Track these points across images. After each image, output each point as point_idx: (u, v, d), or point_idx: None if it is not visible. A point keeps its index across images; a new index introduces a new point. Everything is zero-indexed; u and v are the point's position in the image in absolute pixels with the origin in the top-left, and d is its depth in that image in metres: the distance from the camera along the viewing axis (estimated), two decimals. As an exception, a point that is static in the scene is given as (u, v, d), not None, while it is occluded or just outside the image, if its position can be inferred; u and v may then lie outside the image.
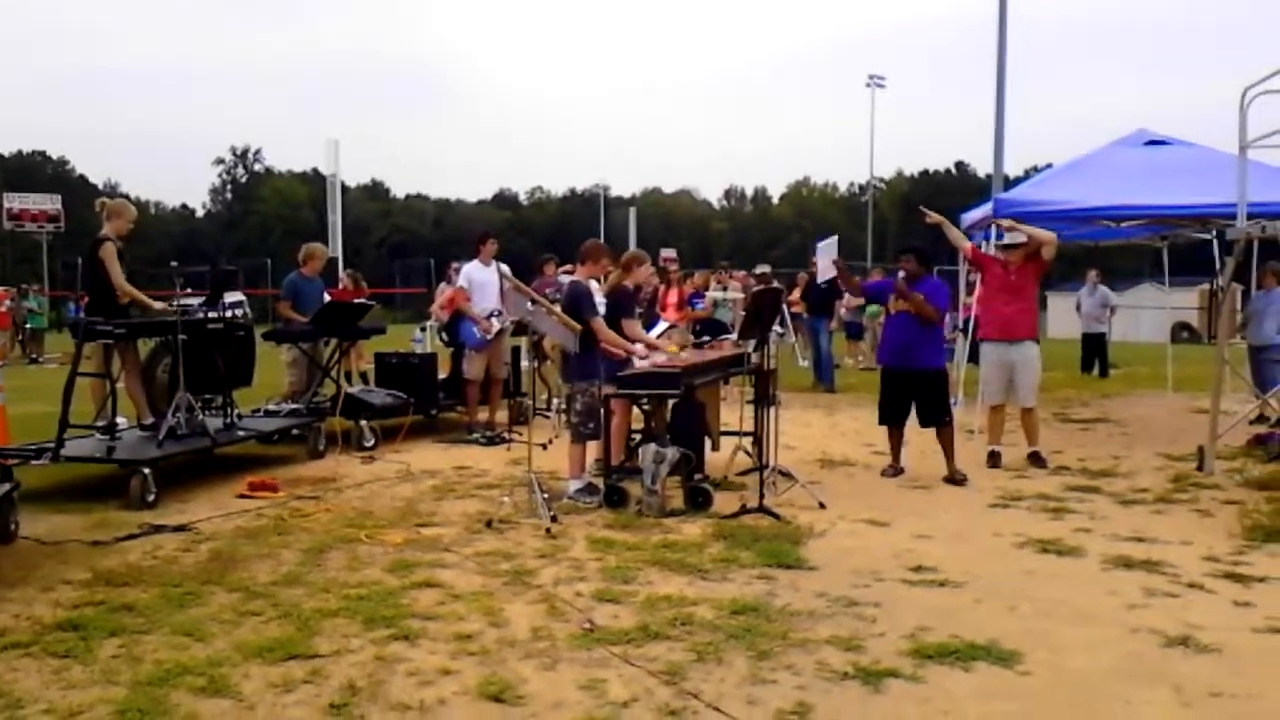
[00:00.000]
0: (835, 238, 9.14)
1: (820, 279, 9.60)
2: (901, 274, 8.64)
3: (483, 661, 4.31)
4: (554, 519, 6.70)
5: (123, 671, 4.20)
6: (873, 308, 20.06)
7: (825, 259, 9.07)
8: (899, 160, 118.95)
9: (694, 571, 5.65)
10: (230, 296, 9.23)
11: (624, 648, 4.45)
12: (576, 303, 7.67)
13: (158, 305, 8.60)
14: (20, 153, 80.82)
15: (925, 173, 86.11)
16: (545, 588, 5.37)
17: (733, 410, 9.84)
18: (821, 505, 7.33)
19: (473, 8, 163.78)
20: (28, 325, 25.74)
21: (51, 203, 42.89)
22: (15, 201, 42.61)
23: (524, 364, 12.47)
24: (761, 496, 7.05)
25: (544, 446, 9.34)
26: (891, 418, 8.73)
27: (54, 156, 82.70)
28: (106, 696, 3.94)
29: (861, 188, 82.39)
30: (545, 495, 6.93)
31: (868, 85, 59.95)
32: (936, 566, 5.77)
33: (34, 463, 7.70)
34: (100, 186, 71.08)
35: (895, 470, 8.72)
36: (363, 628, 4.73)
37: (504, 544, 6.30)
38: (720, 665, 4.26)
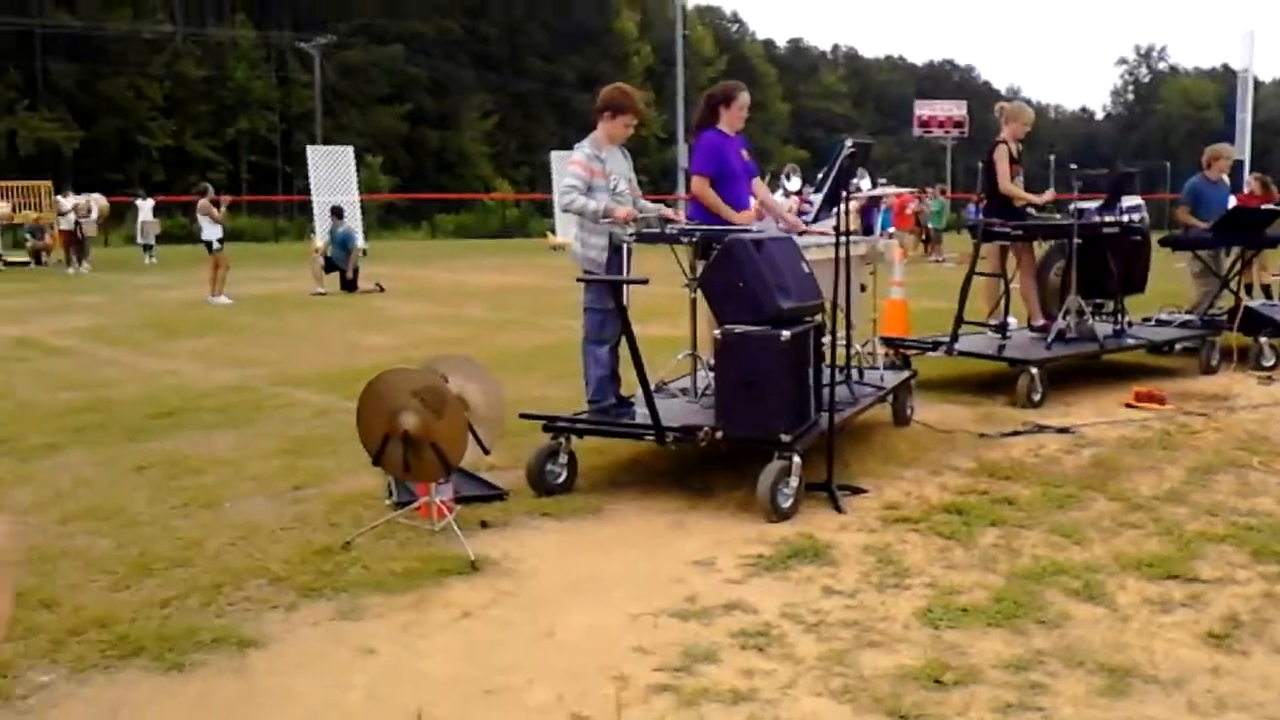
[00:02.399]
0: None
1: None
2: None
3: (1398, 623, 3.76)
4: None
5: (1000, 561, 4.41)
6: None
7: None
8: None
9: None
10: (1127, 200, 9.10)
11: None
12: None
13: (1040, 198, 8.66)
14: (931, 62, 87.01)
15: None
16: None
17: None
18: None
19: None
20: (930, 225, 27.59)
21: (957, 109, 45.63)
22: (925, 109, 46.16)
23: None
24: None
25: None
26: None
27: (960, 64, 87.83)
28: (983, 582, 4.16)
29: None
30: None
31: None
32: None
33: (930, 354, 8.37)
34: (1003, 92, 73.54)
35: None
36: (1250, 559, 4.40)
37: None
38: None
